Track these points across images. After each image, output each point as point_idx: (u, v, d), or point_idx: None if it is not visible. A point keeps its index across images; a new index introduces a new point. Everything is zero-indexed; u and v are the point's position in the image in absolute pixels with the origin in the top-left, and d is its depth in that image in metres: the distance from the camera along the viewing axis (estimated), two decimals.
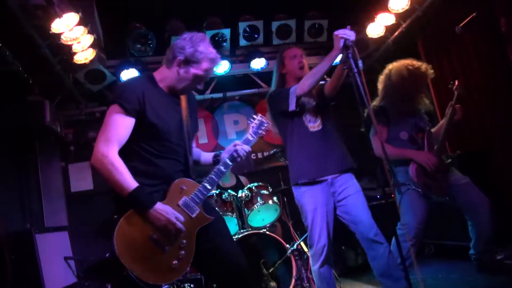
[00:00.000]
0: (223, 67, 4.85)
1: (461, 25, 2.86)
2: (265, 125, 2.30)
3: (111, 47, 4.44)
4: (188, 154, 2.14)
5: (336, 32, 2.30)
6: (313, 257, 2.58)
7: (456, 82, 3.14)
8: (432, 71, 3.12)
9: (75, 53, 3.75)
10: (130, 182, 1.86)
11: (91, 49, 3.84)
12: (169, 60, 2.08)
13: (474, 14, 2.84)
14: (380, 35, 4.75)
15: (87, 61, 3.92)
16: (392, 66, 3.16)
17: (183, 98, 2.19)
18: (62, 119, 4.47)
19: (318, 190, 2.54)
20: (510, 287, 2.86)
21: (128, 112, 1.93)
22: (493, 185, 3.68)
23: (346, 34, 2.25)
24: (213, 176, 2.09)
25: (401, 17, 4.49)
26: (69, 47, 3.60)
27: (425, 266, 3.83)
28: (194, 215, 2.00)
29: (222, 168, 2.12)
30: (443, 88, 4.38)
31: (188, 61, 2.03)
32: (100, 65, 4.12)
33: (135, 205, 1.88)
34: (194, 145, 2.33)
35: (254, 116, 2.32)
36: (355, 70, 2.15)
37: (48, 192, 4.56)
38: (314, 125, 2.64)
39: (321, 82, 2.59)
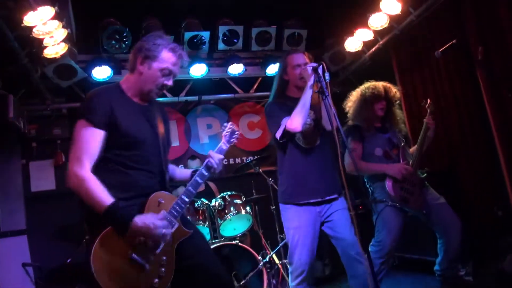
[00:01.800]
0: (200, 70, 4.75)
1: (440, 50, 2.92)
2: (236, 133, 2.29)
3: (83, 41, 4.21)
4: (164, 165, 2.07)
5: (303, 68, 2.51)
6: (291, 274, 2.55)
7: (429, 100, 3.26)
8: (395, 90, 3.24)
9: (45, 47, 3.52)
10: (105, 198, 1.78)
11: (63, 44, 3.62)
12: (132, 64, 2.03)
13: (454, 41, 2.91)
14: (357, 50, 4.85)
15: (57, 55, 3.69)
16: (363, 86, 3.26)
17: (154, 109, 2.12)
18: (25, 114, 4.18)
19: (305, 210, 2.52)
20: None
21: (96, 125, 1.87)
22: (456, 203, 3.83)
23: (309, 63, 2.47)
24: (190, 188, 2.04)
25: (379, 34, 4.60)
26: (40, 40, 3.38)
27: (389, 278, 3.93)
28: (173, 230, 1.92)
29: (198, 179, 2.07)
30: (415, 105, 4.53)
31: (148, 56, 1.97)
32: (71, 60, 3.90)
33: (112, 221, 1.79)
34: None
35: (226, 124, 2.29)
36: (327, 93, 2.22)
37: (5, 191, 4.24)
38: (309, 141, 2.59)
39: None
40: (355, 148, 3.12)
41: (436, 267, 3.24)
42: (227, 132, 2.26)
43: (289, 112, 2.48)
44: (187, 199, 1.99)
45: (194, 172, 2.22)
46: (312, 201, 2.53)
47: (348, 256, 2.49)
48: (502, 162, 3.51)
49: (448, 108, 4.11)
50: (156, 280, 1.84)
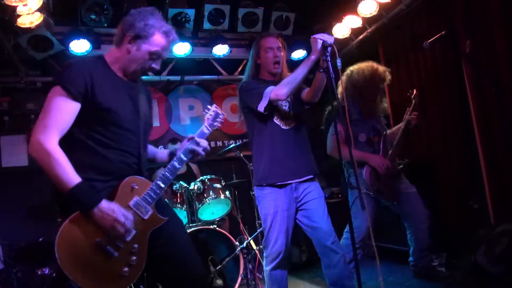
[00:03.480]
0: (183, 49, 4.60)
1: (429, 41, 2.88)
2: (220, 117, 2.16)
3: (60, 12, 4.00)
4: (142, 147, 1.94)
5: (313, 36, 2.26)
6: (266, 259, 2.52)
7: (415, 91, 3.22)
8: (389, 76, 3.20)
9: (19, 16, 3.32)
10: (71, 177, 1.66)
11: (38, 13, 3.43)
12: (118, 39, 1.89)
13: (443, 33, 2.88)
14: (345, 36, 4.80)
15: (32, 25, 3.49)
16: (354, 67, 3.19)
17: (138, 87, 1.99)
18: None
19: (281, 193, 2.47)
20: None
21: (72, 96, 1.72)
22: (433, 195, 3.89)
23: (324, 36, 2.22)
24: (166, 173, 1.91)
25: (367, 21, 4.54)
26: (13, 8, 3.18)
27: (366, 267, 3.97)
28: (146, 217, 1.82)
29: (176, 164, 1.95)
30: (398, 95, 4.53)
31: (139, 36, 1.84)
32: (47, 31, 3.70)
33: (75, 203, 1.67)
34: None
35: (209, 107, 2.17)
36: (333, 75, 2.11)
37: None
38: (285, 122, 2.52)
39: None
40: (340, 131, 3.02)
41: (410, 258, 3.32)
42: (210, 115, 2.15)
43: (267, 86, 2.41)
44: (162, 185, 1.88)
45: (172, 154, 2.13)
46: (289, 182, 2.48)
47: (323, 246, 2.46)
48: (480, 155, 3.55)
49: (431, 100, 4.11)
50: (126, 268, 1.74)
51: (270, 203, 2.49)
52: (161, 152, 2.21)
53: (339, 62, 2.08)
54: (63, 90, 1.71)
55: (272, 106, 2.45)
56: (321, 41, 2.20)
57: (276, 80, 2.55)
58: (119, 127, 1.84)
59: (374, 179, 3.02)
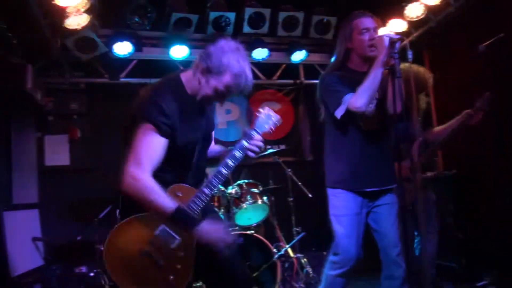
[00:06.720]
0: None
1: (485, 44, 2.71)
2: (273, 119, 2.04)
3: (105, 15, 4.07)
4: (197, 163, 1.95)
5: (379, 34, 2.19)
6: (335, 264, 2.34)
7: (488, 94, 2.93)
8: (431, 80, 3.07)
9: (67, 17, 3.40)
10: (169, 203, 1.74)
11: (85, 15, 3.49)
12: (195, 65, 1.90)
13: (501, 35, 2.71)
14: None
15: (79, 27, 3.56)
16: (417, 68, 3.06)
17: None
18: (43, 86, 4.08)
19: (356, 197, 2.31)
20: None
21: (163, 134, 1.78)
22: (480, 209, 3.69)
23: (389, 34, 2.12)
24: (213, 180, 1.86)
25: (413, 25, 4.37)
26: (62, 9, 3.25)
27: None
28: None
29: (223, 170, 1.88)
30: (445, 102, 4.33)
31: (210, 71, 1.83)
32: (93, 33, 3.78)
33: (181, 223, 1.76)
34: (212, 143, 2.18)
35: (261, 110, 2.05)
36: (399, 73, 1.97)
37: (19, 163, 4.15)
38: (369, 123, 2.29)
39: None
40: None
41: None
42: (261, 117, 2.03)
43: (350, 86, 2.21)
44: (208, 192, 1.83)
45: (222, 153, 2.07)
46: (367, 190, 2.31)
47: (388, 256, 2.31)
48: None
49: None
50: (172, 276, 1.74)
51: (343, 206, 2.33)
52: (213, 148, 2.20)
53: (410, 54, 1.96)
54: (154, 128, 1.76)
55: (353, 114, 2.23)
56: (388, 38, 2.08)
57: (368, 67, 2.27)
58: (179, 156, 1.89)
59: None
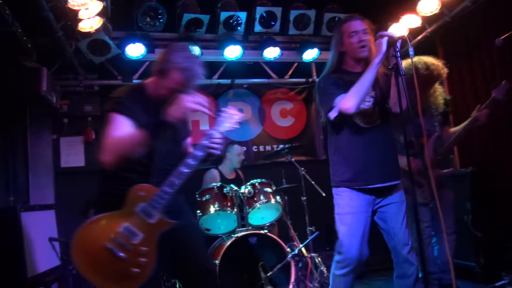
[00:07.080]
0: (234, 52, 4.58)
1: (502, 37, 2.65)
2: (235, 118, 2.17)
3: (117, 17, 4.11)
4: (157, 157, 2.03)
5: (379, 33, 2.14)
6: (338, 263, 2.33)
7: (504, 82, 2.85)
8: (445, 72, 2.99)
9: (80, 20, 3.44)
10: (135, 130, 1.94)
11: (98, 17, 3.53)
12: (152, 70, 2.11)
13: None
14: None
15: (92, 29, 3.60)
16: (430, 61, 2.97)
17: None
18: (58, 89, 4.14)
19: (360, 195, 2.30)
20: None
21: (126, 115, 1.98)
22: (502, 206, 3.60)
23: (388, 33, 2.10)
24: (173, 178, 1.94)
25: (427, 20, 4.30)
26: (75, 12, 3.29)
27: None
28: (152, 221, 1.92)
29: (183, 169, 1.96)
30: (460, 97, 4.25)
31: (161, 72, 2.02)
32: (106, 35, 3.81)
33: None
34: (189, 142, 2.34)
35: (224, 109, 2.19)
36: (402, 72, 1.97)
37: (36, 165, 4.24)
38: (368, 120, 2.31)
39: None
40: None
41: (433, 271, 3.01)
42: (223, 117, 2.14)
43: (345, 87, 2.22)
44: (169, 190, 1.93)
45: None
46: (370, 187, 2.29)
47: (399, 254, 2.28)
48: None
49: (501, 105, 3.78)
50: (136, 270, 1.87)
51: (347, 204, 2.32)
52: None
53: (411, 50, 1.94)
54: (116, 113, 1.98)
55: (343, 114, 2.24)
56: (386, 37, 2.07)
57: (363, 67, 2.32)
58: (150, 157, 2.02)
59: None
